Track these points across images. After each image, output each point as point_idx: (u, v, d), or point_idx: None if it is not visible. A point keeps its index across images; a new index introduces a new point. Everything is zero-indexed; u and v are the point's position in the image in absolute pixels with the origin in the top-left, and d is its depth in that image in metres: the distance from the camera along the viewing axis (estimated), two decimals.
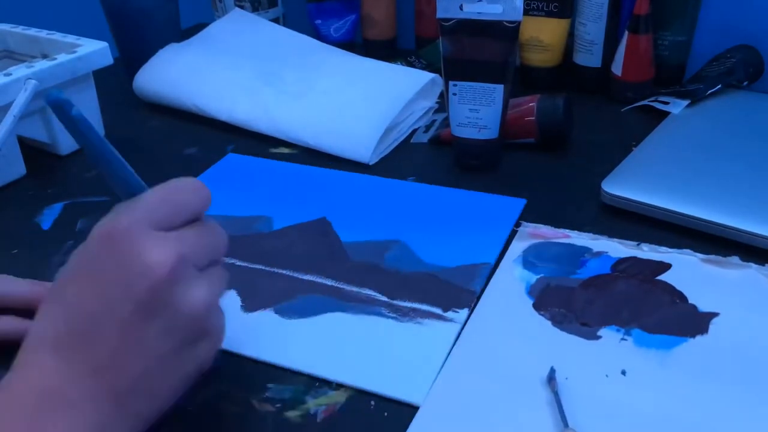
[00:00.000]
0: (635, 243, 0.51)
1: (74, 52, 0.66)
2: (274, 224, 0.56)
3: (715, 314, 0.44)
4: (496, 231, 0.53)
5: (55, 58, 0.64)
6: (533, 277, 0.48)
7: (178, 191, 0.37)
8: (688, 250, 0.50)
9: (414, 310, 0.46)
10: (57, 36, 0.71)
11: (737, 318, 0.44)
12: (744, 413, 0.38)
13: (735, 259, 0.48)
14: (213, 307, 0.37)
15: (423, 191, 0.59)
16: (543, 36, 0.76)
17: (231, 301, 0.47)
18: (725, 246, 0.50)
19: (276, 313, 0.47)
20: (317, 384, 0.42)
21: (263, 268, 0.51)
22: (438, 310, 0.46)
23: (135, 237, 0.34)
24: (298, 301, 0.47)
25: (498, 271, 0.49)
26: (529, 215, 0.55)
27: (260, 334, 0.45)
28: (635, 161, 0.58)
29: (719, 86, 0.67)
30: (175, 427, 0.39)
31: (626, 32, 0.70)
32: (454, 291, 0.47)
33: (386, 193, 0.59)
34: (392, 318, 0.45)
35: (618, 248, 0.51)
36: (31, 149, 0.67)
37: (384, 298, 0.47)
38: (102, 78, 0.70)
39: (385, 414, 0.39)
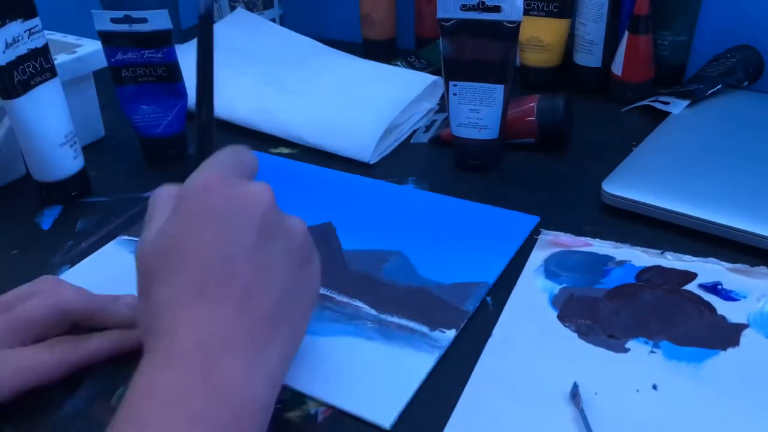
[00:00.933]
0: (659, 251, 0.50)
1: (74, 52, 0.66)
2: None
3: (744, 326, 0.43)
4: (501, 249, 0.51)
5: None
6: (556, 288, 0.47)
7: (242, 153, 0.40)
8: (713, 259, 0.48)
9: (400, 327, 0.45)
10: (57, 36, 0.70)
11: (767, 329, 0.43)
12: None
13: (762, 268, 0.47)
14: (308, 233, 0.39)
15: (432, 200, 0.58)
16: (543, 36, 0.76)
17: None
18: (726, 246, 0.50)
19: None
20: None
21: None
22: (425, 329, 0.44)
23: (230, 182, 0.37)
24: None
25: (519, 281, 0.48)
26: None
27: None
28: (635, 161, 0.58)
29: (719, 86, 0.67)
30: None
31: (626, 32, 0.70)
32: (446, 309, 0.46)
33: (393, 200, 0.58)
34: (376, 334, 0.44)
35: (641, 257, 0.49)
36: None
37: (372, 312, 0.46)
38: (102, 78, 0.70)
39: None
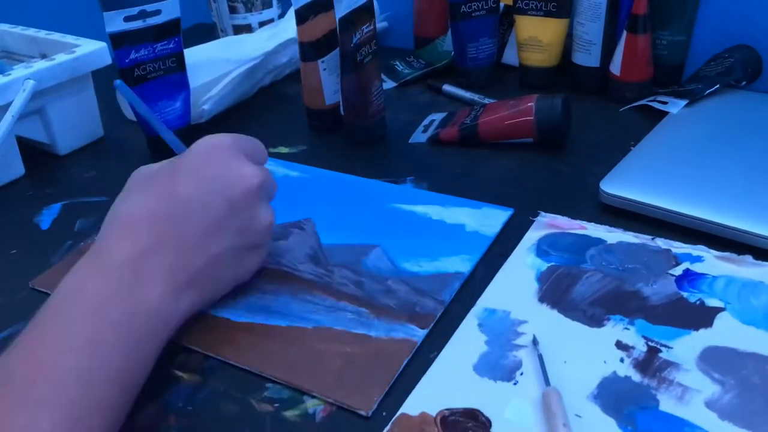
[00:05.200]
0: (650, 237, 0.51)
1: (73, 52, 0.66)
2: None
3: (721, 309, 0.44)
4: (477, 241, 0.52)
5: (54, 59, 0.64)
6: (544, 265, 0.49)
7: (253, 139, 0.48)
8: (702, 246, 0.50)
9: (379, 317, 0.45)
10: (56, 36, 0.71)
11: (742, 315, 0.44)
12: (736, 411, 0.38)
13: (748, 257, 0.48)
14: (271, 229, 0.46)
15: (410, 195, 0.59)
16: (541, 36, 0.76)
17: None
18: (724, 245, 0.50)
19: (242, 310, 0.47)
20: None
21: None
22: (402, 320, 0.45)
23: (235, 152, 0.44)
24: (266, 299, 0.48)
25: (511, 257, 0.50)
26: (529, 215, 0.55)
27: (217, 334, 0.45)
28: (633, 161, 0.58)
29: (717, 86, 0.67)
30: (175, 426, 0.39)
31: (625, 32, 0.70)
32: (424, 300, 0.47)
33: (373, 196, 0.59)
34: (356, 324, 0.45)
35: (632, 241, 0.51)
36: (29, 149, 0.67)
37: (352, 307, 0.47)
38: (101, 78, 0.70)
39: (384, 414, 0.39)
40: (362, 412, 0.39)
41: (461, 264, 0.50)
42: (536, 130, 0.63)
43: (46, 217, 0.59)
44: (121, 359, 0.36)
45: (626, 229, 0.53)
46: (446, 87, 0.78)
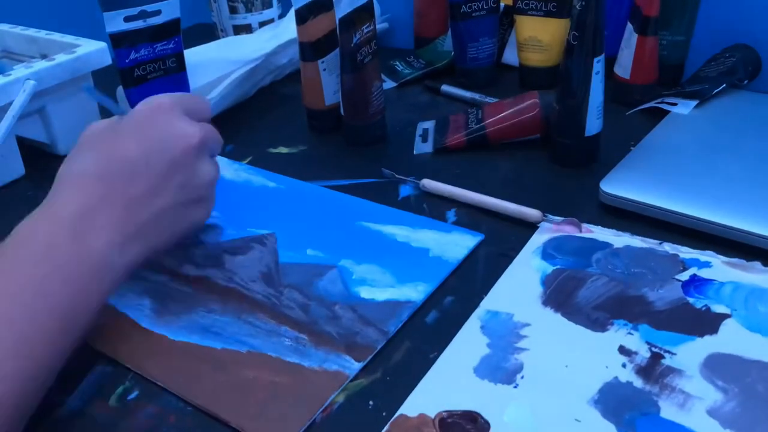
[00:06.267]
0: (657, 242, 0.51)
1: (73, 52, 0.66)
2: (223, 235, 0.55)
3: (727, 315, 0.44)
4: (437, 267, 0.50)
5: (54, 59, 0.64)
6: (549, 268, 0.49)
7: (195, 97, 0.52)
8: (710, 252, 0.49)
9: (317, 345, 0.44)
10: (56, 36, 0.71)
11: (748, 322, 0.43)
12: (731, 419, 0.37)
13: (757, 264, 0.47)
14: (214, 183, 0.50)
15: (380, 213, 0.57)
16: (541, 36, 0.76)
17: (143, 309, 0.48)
18: (724, 246, 0.50)
19: (182, 328, 0.46)
20: None
21: (193, 273, 0.51)
22: (339, 351, 0.43)
23: (176, 113, 0.48)
24: (209, 318, 0.47)
25: (515, 260, 0.50)
26: None
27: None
28: (633, 161, 0.58)
29: (723, 85, 0.67)
30: (175, 426, 0.39)
31: (635, 34, 0.69)
32: (367, 329, 0.45)
33: (343, 213, 0.57)
34: (291, 352, 0.44)
35: (639, 245, 0.51)
36: (29, 149, 0.67)
37: (292, 333, 0.45)
38: (101, 78, 0.70)
39: (384, 414, 0.39)
40: None
41: (415, 293, 0.48)
42: (543, 124, 0.63)
43: None
44: (65, 301, 0.39)
45: (626, 229, 0.52)
46: (445, 87, 0.78)
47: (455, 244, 0.52)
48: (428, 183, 0.59)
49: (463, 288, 0.48)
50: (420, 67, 0.83)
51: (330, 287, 0.49)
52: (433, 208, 0.57)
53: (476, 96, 0.75)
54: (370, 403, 0.40)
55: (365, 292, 0.48)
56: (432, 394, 0.40)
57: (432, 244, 0.53)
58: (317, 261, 0.52)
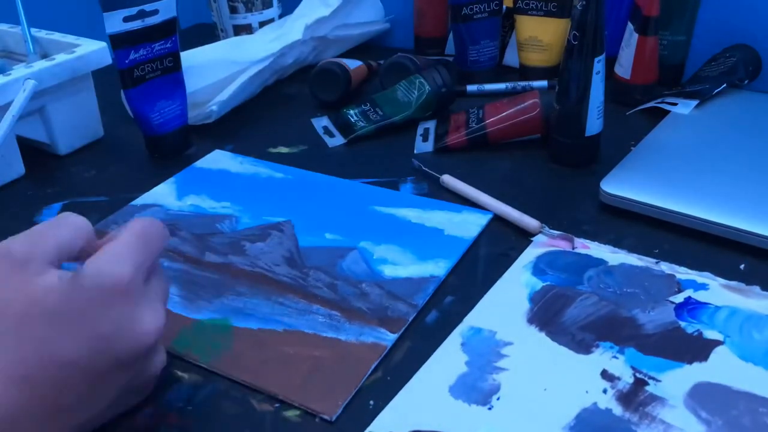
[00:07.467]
0: (654, 260, 0.49)
1: (73, 52, 0.66)
2: (239, 224, 0.56)
3: (719, 342, 0.42)
4: (454, 245, 0.52)
5: (54, 58, 0.64)
6: (539, 284, 0.47)
7: (65, 227, 0.40)
8: (708, 274, 0.47)
9: (351, 320, 0.45)
10: (56, 36, 0.71)
11: (741, 350, 0.41)
12: None
13: (756, 288, 0.46)
14: (160, 369, 0.40)
15: (391, 198, 0.58)
16: (542, 36, 0.76)
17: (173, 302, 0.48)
18: (725, 246, 0.50)
19: (215, 312, 0.47)
20: None
21: (215, 260, 0.52)
22: (373, 324, 0.45)
23: (130, 297, 0.36)
24: (239, 301, 0.48)
25: (506, 274, 0.49)
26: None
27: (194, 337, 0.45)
28: (634, 161, 0.58)
29: (724, 85, 0.67)
30: (175, 426, 0.39)
31: (635, 34, 0.69)
32: (396, 303, 0.46)
33: (354, 198, 0.58)
34: (327, 327, 0.45)
35: (634, 263, 0.49)
36: (30, 149, 0.67)
37: (324, 310, 0.46)
38: (101, 78, 0.70)
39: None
40: (326, 417, 0.39)
41: (437, 268, 0.49)
42: (545, 123, 0.63)
43: (46, 217, 0.59)
44: None
45: (626, 229, 0.52)
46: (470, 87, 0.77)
47: (468, 222, 0.54)
48: (448, 179, 0.59)
49: (463, 288, 0.48)
50: (377, 119, 0.70)
51: (354, 267, 0.50)
52: None
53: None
54: (371, 403, 0.40)
55: (388, 270, 0.50)
56: (402, 413, 0.39)
57: (445, 223, 0.54)
58: (337, 244, 0.53)
